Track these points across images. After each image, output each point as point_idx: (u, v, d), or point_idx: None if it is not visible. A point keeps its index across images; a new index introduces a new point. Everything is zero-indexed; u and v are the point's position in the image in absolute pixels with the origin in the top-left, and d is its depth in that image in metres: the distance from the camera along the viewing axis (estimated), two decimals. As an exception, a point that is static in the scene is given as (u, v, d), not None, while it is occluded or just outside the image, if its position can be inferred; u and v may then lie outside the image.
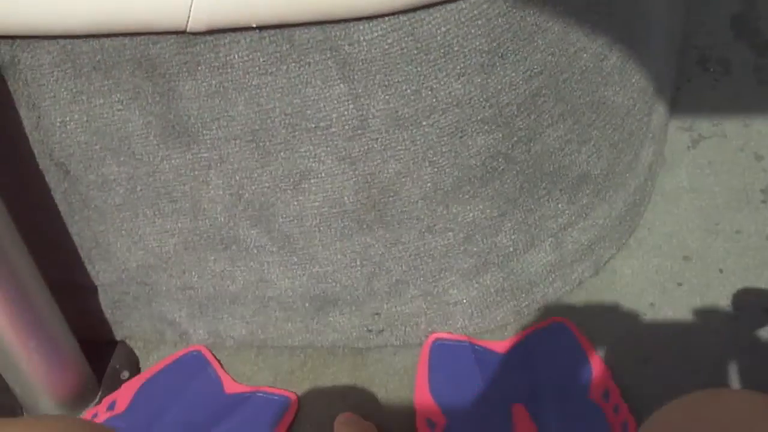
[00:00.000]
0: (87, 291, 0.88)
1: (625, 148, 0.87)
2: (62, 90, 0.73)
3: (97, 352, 0.88)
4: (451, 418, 0.78)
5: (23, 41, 0.70)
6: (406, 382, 0.83)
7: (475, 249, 0.81)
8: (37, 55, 0.71)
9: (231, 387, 0.85)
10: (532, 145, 0.78)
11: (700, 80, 1.06)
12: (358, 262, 0.81)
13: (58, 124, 0.75)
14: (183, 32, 0.67)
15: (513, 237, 0.82)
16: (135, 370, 0.88)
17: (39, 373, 0.80)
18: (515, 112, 0.75)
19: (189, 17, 0.65)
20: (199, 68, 0.70)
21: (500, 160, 0.77)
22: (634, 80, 0.85)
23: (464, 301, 0.84)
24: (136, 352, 0.90)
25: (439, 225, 0.79)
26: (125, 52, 0.69)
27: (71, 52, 0.70)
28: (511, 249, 0.82)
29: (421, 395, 0.81)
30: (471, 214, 0.79)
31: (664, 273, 0.88)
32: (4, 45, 0.70)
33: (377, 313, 0.84)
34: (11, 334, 0.77)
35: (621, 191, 0.88)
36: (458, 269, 0.82)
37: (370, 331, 0.85)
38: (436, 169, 0.75)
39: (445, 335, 0.85)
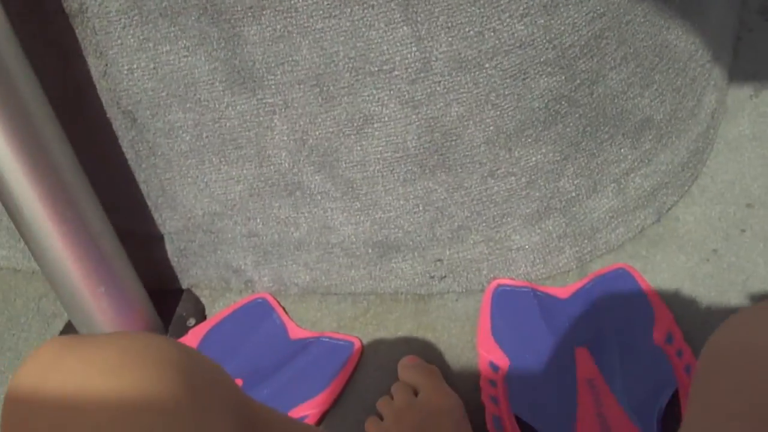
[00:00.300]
0: (153, 239, 0.89)
1: (687, 94, 0.86)
2: (129, 37, 0.74)
3: (164, 299, 0.89)
4: (514, 360, 0.79)
5: None
6: (468, 327, 0.84)
7: (537, 194, 0.81)
8: (105, 2, 0.72)
9: (295, 333, 0.86)
10: (594, 88, 0.77)
11: (761, 30, 1.05)
12: (421, 208, 0.81)
13: (125, 71, 0.76)
14: (248, -24, 0.68)
15: (575, 182, 0.82)
16: (201, 317, 0.90)
17: (107, 319, 0.82)
18: (578, 54, 0.74)
19: (255, -40, 0.66)
20: (264, 12, 0.71)
21: (563, 103, 0.76)
22: (697, 25, 0.84)
23: (526, 246, 0.84)
24: (202, 299, 0.91)
25: (502, 169, 0.79)
26: None
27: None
28: (574, 194, 0.82)
29: (484, 339, 0.81)
30: (533, 158, 0.79)
31: (726, 220, 0.87)
32: None
33: (440, 260, 0.85)
34: (81, 280, 0.79)
35: (683, 137, 0.87)
36: (520, 214, 0.82)
37: (432, 277, 0.86)
38: (498, 113, 0.75)
39: (507, 281, 0.85)
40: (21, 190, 0.71)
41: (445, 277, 0.86)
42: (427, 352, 0.83)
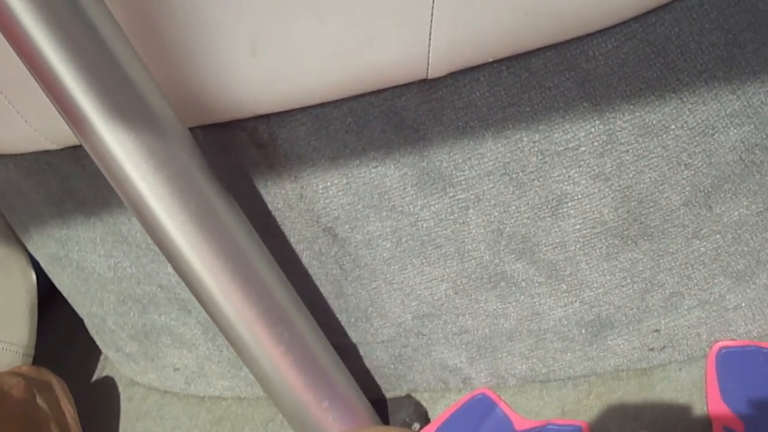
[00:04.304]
0: (368, 349, 0.91)
1: None
2: (320, 157, 0.78)
3: (385, 407, 0.91)
4: (749, 423, 0.76)
5: (278, 117, 0.76)
6: (696, 396, 0.81)
7: (745, 248, 0.79)
8: (293, 128, 0.76)
9: (521, 424, 0.85)
10: (787, 132, 0.76)
11: None
12: (629, 280, 0.80)
13: (320, 190, 0.80)
14: (424, 80, 0.71)
15: (784, 230, 0.79)
16: (424, 420, 0.91)
17: (335, 433, 0.84)
18: (763, 101, 0.73)
19: (428, 64, 0.69)
20: (444, 112, 0.73)
21: (756, 152, 0.75)
22: None
23: (743, 304, 0.81)
24: (423, 403, 0.92)
25: (705, 229, 0.77)
26: (373, 110, 0.74)
27: (323, 119, 0.75)
28: (784, 243, 0.80)
29: (715, 405, 0.78)
30: (736, 213, 0.77)
31: None
32: (261, 124, 0.76)
33: (656, 330, 0.83)
34: (305, 398, 0.81)
35: None
36: (731, 272, 0.80)
37: (651, 349, 0.84)
38: (692, 172, 0.74)
39: (729, 342, 0.82)
40: (238, 316, 0.75)
41: (664, 347, 0.84)
42: (657, 426, 0.81)
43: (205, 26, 0.68)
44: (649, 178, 0.74)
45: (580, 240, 0.78)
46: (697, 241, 0.78)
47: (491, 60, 0.69)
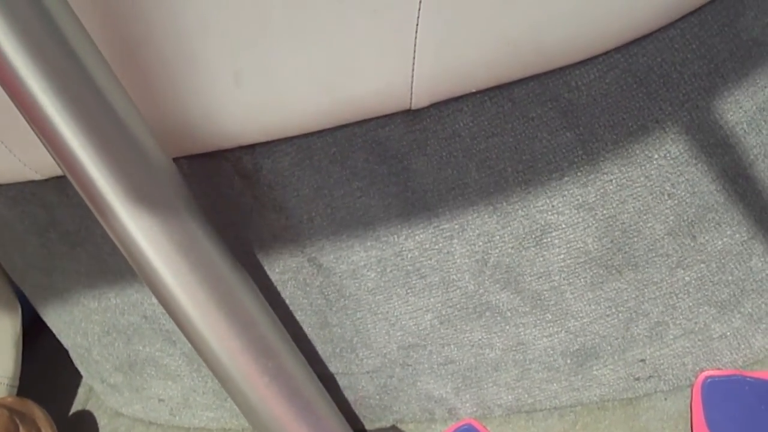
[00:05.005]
0: (354, 380, 0.91)
1: None
2: (304, 187, 0.78)
3: (372, 439, 0.91)
4: (737, 453, 0.76)
5: (262, 147, 0.76)
6: (682, 425, 0.81)
7: (729, 278, 0.79)
8: (278, 158, 0.76)
9: (506, 455, 0.85)
10: (770, 160, 0.76)
11: None
12: (613, 310, 0.80)
13: (305, 220, 0.80)
14: (408, 110, 0.71)
15: (767, 259, 0.79)
16: (410, 452, 0.91)
17: (321, 465, 0.83)
18: (746, 130, 0.74)
19: (412, 95, 0.69)
20: (428, 142, 0.73)
21: (740, 181, 0.75)
22: None
23: (728, 333, 0.81)
24: (409, 434, 0.92)
25: (689, 258, 0.77)
26: (357, 140, 0.74)
27: (307, 150, 0.75)
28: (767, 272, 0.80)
29: (702, 435, 0.78)
30: (720, 242, 0.77)
31: None
32: (246, 155, 0.76)
33: (642, 360, 0.83)
34: (292, 428, 0.81)
35: None
36: (716, 301, 0.80)
37: (637, 379, 0.84)
38: (676, 201, 0.74)
39: (714, 372, 0.82)
40: (222, 347, 0.75)
41: (650, 377, 0.84)
42: (644, 457, 0.80)
43: (188, 57, 0.68)
44: (633, 207, 0.74)
45: (565, 270, 0.78)
46: (682, 271, 0.78)
47: (474, 90, 0.69)
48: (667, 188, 0.74)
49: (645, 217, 0.75)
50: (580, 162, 0.72)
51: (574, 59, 0.68)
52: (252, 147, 0.76)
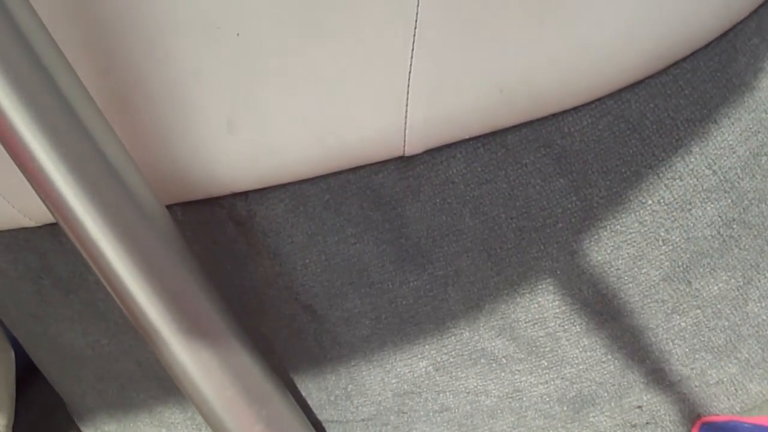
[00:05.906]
0: (348, 427, 0.90)
1: None
2: (298, 234, 0.77)
3: (367, 488, 0.89)
4: (736, 501, 0.75)
5: (256, 194, 0.76)
6: (681, 473, 0.81)
7: (725, 323, 0.79)
8: (271, 205, 0.76)
9: (503, 503, 0.84)
10: (764, 206, 0.76)
11: None
12: (609, 356, 0.80)
13: (299, 267, 0.79)
14: (401, 157, 0.71)
15: (763, 304, 0.79)
16: (406, 501, 0.89)
17: None
18: (740, 175, 0.74)
19: (405, 141, 0.69)
20: (422, 189, 0.73)
21: (734, 227, 0.75)
22: None
23: (724, 379, 0.81)
24: (404, 483, 0.91)
25: (684, 304, 0.77)
26: (350, 186, 0.74)
27: (301, 196, 0.75)
28: (764, 317, 0.79)
29: (700, 483, 0.78)
30: (715, 288, 0.77)
31: None
32: (240, 201, 0.76)
33: (639, 406, 0.82)
34: (287, 478, 0.80)
35: None
36: (712, 347, 0.80)
37: (634, 426, 0.83)
38: (670, 247, 0.74)
39: (711, 418, 0.81)
40: (216, 395, 0.74)
41: (647, 423, 0.83)
42: (642, 506, 0.80)
43: (182, 104, 0.68)
44: (627, 253, 0.74)
45: (560, 316, 0.78)
46: (677, 316, 0.78)
47: (467, 137, 0.69)
48: (662, 234, 0.73)
49: (639, 263, 0.75)
50: (573, 208, 0.72)
51: (567, 105, 0.68)
52: (246, 194, 0.76)
